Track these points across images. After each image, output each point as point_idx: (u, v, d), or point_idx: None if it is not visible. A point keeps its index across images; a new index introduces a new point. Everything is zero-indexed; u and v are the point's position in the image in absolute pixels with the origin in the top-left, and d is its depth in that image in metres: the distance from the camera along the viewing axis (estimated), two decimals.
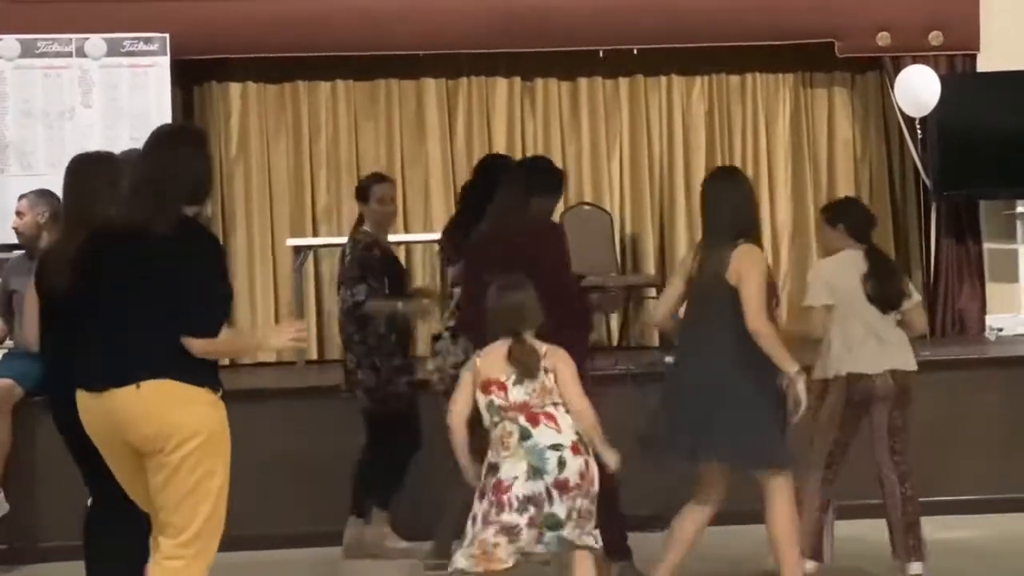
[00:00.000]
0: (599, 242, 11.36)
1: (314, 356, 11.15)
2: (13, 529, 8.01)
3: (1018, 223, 11.39)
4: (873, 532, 7.02)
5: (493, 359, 5.64)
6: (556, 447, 5.51)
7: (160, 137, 5.18)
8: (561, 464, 5.50)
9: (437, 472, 6.80)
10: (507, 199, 6.64)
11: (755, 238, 6.21)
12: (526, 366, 5.60)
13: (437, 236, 11.08)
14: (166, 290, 4.87)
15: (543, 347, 5.66)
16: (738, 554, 7.69)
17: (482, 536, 5.50)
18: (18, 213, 7.98)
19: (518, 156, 11.43)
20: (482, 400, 5.61)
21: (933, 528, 7.37)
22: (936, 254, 11.42)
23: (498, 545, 5.49)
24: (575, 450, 5.53)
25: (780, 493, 6.12)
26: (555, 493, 5.49)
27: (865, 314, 6.83)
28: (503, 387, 5.59)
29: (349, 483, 7.97)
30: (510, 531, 5.49)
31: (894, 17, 11.34)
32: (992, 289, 11.55)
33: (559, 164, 11.56)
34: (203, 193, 5.10)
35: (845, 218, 7.03)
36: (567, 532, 5.51)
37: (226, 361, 10.78)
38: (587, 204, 11.53)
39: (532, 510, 5.48)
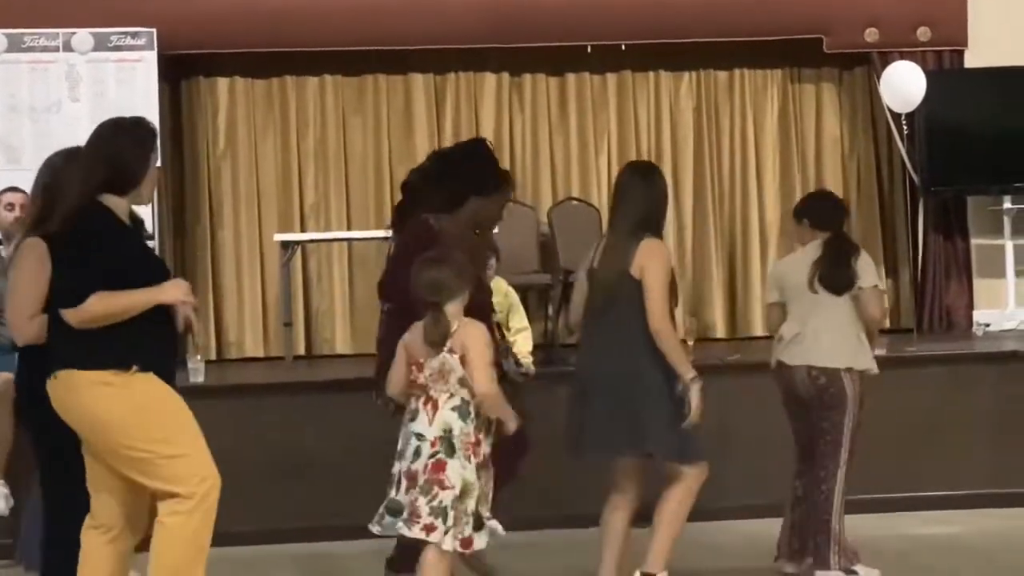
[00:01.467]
0: (587, 237, 11.29)
1: (302, 352, 11.14)
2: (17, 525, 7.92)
3: (1005, 219, 11.40)
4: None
5: (419, 338, 5.63)
6: (419, 436, 5.54)
7: (95, 130, 5.28)
8: (416, 454, 5.52)
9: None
10: (438, 198, 6.42)
11: (658, 235, 6.15)
12: (433, 337, 5.55)
13: None
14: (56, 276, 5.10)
15: (455, 323, 5.60)
16: (735, 549, 7.73)
17: None
18: (9, 205, 7.99)
19: (506, 151, 11.48)
20: (408, 375, 5.65)
21: (921, 524, 7.40)
22: (924, 250, 11.44)
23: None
24: (433, 446, 5.52)
25: (683, 483, 6.11)
26: (405, 482, 5.53)
27: (805, 306, 6.79)
28: (420, 367, 5.60)
29: (340, 477, 7.98)
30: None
31: (882, 13, 11.36)
32: (979, 285, 11.57)
33: (547, 160, 11.67)
34: (125, 183, 5.17)
35: (808, 212, 7.03)
36: (402, 524, 5.53)
37: (213, 355, 10.88)
38: (575, 200, 11.53)
39: (392, 491, 5.57)
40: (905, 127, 11.12)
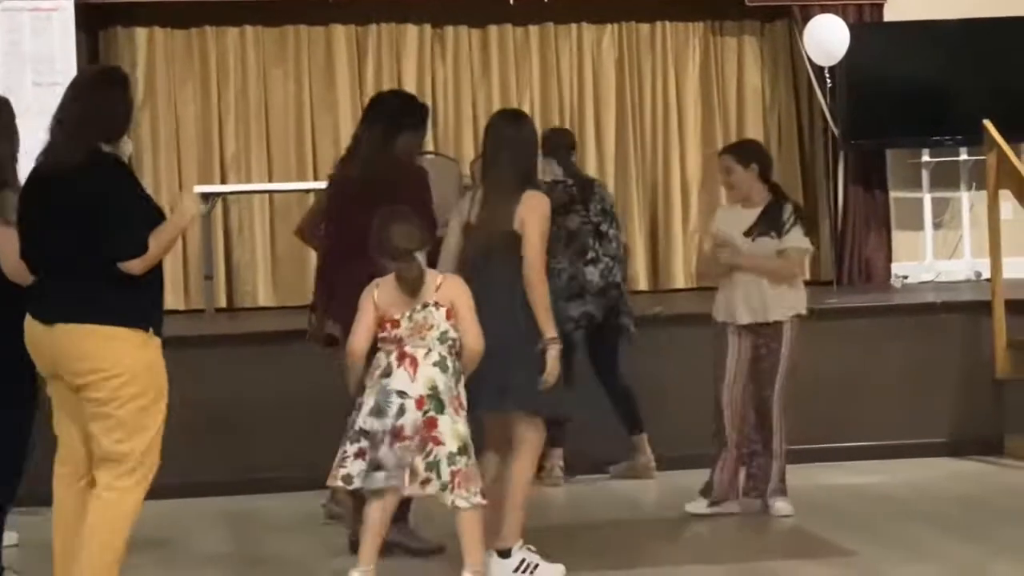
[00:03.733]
0: None
1: (223, 304, 11.08)
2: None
3: (924, 172, 11.51)
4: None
5: (390, 293, 5.62)
6: (402, 394, 5.54)
7: (76, 79, 5.35)
8: (400, 412, 5.53)
9: None
10: (374, 137, 6.52)
11: (536, 186, 6.03)
12: (411, 285, 5.58)
13: None
14: (87, 227, 5.04)
15: (439, 277, 5.66)
16: (654, 499, 7.79)
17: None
18: None
19: (428, 104, 11.42)
20: (378, 332, 5.64)
21: (841, 474, 7.47)
22: (843, 202, 11.52)
23: (336, 466, 5.66)
24: (420, 404, 5.54)
25: (527, 446, 5.97)
26: (387, 439, 5.53)
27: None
28: (396, 324, 5.60)
29: (261, 431, 7.98)
30: (343, 457, 5.62)
31: None
32: (898, 237, 11.68)
33: (469, 111, 11.64)
34: (117, 130, 5.19)
35: (759, 158, 7.14)
36: (386, 478, 5.55)
37: None
38: None
39: (364, 443, 5.56)
40: (827, 80, 11.18)
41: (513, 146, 6.03)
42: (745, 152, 7.24)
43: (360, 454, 5.59)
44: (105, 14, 11.11)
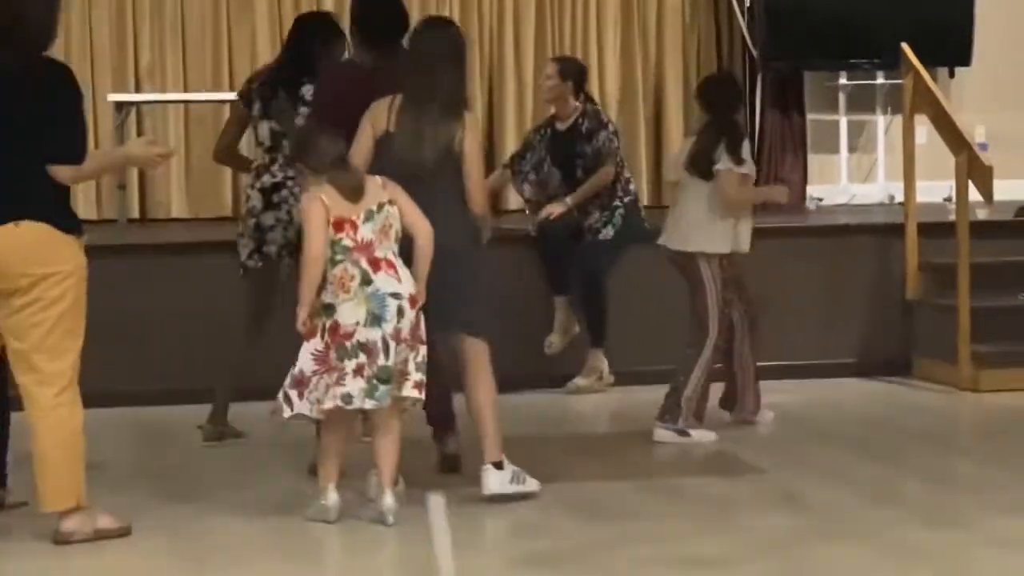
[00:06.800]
0: None
1: (136, 215, 10.97)
2: None
3: (840, 95, 11.56)
4: None
5: (337, 200, 5.48)
6: (396, 296, 5.45)
7: None
8: (400, 313, 5.45)
9: None
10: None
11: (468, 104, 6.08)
12: (356, 190, 5.48)
13: None
14: (32, 125, 4.96)
15: (377, 177, 5.57)
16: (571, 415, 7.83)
17: (325, 380, 5.45)
18: None
19: (346, 15, 11.30)
20: (337, 238, 5.48)
21: None
22: (761, 124, 11.55)
23: (329, 387, 5.45)
24: (412, 302, 5.50)
25: (484, 361, 5.90)
26: (391, 344, 5.43)
27: (685, 188, 7.07)
28: (354, 225, 5.47)
29: (173, 342, 7.93)
30: (340, 376, 5.43)
31: None
32: (814, 160, 11.74)
33: None
34: (47, 36, 5.11)
35: (702, 94, 7.27)
36: (393, 387, 5.47)
37: None
38: None
39: (363, 358, 5.41)
40: (746, 1, 11.18)
41: (449, 58, 5.90)
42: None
43: (359, 370, 5.42)
44: None
